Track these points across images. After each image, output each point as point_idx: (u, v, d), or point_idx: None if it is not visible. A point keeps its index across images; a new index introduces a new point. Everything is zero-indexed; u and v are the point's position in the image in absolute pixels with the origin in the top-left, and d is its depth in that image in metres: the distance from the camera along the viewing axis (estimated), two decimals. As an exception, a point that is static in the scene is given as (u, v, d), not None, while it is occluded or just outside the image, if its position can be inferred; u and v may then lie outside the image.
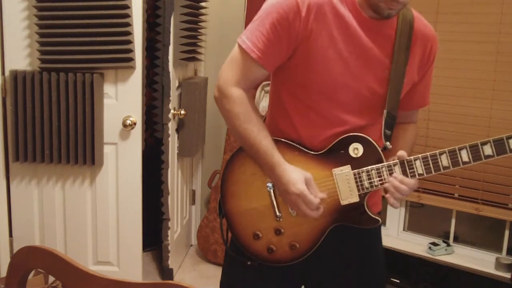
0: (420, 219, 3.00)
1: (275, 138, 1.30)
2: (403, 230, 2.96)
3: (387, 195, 1.27)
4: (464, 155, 1.21)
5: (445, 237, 2.84)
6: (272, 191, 1.31)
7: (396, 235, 2.94)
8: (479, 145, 1.20)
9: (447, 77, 2.61)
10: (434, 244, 2.73)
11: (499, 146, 1.19)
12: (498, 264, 2.57)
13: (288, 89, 1.33)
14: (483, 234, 2.90)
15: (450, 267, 2.62)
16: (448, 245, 2.74)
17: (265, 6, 1.26)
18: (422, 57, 1.35)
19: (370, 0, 1.22)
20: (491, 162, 2.63)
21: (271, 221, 1.33)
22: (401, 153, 1.26)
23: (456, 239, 2.84)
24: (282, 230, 1.32)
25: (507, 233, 2.66)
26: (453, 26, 2.57)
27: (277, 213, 1.31)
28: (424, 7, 2.54)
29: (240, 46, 1.27)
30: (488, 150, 1.20)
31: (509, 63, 2.47)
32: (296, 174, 1.25)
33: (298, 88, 1.31)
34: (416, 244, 2.83)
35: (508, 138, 1.19)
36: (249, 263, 1.38)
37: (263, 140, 1.27)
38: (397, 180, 1.24)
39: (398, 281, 2.64)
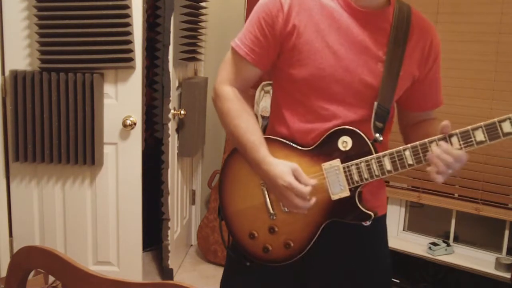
0: (420, 219, 2.99)
1: (266, 136, 1.31)
2: (403, 230, 2.96)
3: (429, 168, 1.17)
4: (455, 142, 1.16)
5: (445, 237, 2.84)
6: (265, 189, 1.32)
7: (396, 235, 2.94)
8: (470, 130, 1.14)
9: (447, 77, 2.58)
10: (434, 244, 2.73)
11: (491, 130, 1.12)
12: (498, 264, 2.57)
13: (281, 86, 1.35)
14: (483, 234, 2.90)
15: (450, 267, 2.62)
16: (448, 245, 2.74)
17: (255, 7, 1.31)
18: (423, 51, 1.32)
19: None
20: (491, 162, 2.65)
21: (266, 219, 1.32)
22: (445, 123, 1.18)
23: (456, 239, 2.83)
24: (276, 229, 1.32)
25: (507, 233, 2.66)
26: (453, 26, 2.57)
27: (271, 211, 1.31)
28: (424, 7, 2.53)
29: (231, 47, 1.33)
30: (480, 135, 1.13)
31: (509, 63, 2.47)
32: (282, 167, 1.24)
33: (288, 84, 1.31)
34: (416, 244, 2.83)
35: (501, 121, 1.11)
36: (248, 263, 1.37)
37: (251, 136, 1.28)
38: (442, 149, 1.16)
39: (398, 281, 2.64)
